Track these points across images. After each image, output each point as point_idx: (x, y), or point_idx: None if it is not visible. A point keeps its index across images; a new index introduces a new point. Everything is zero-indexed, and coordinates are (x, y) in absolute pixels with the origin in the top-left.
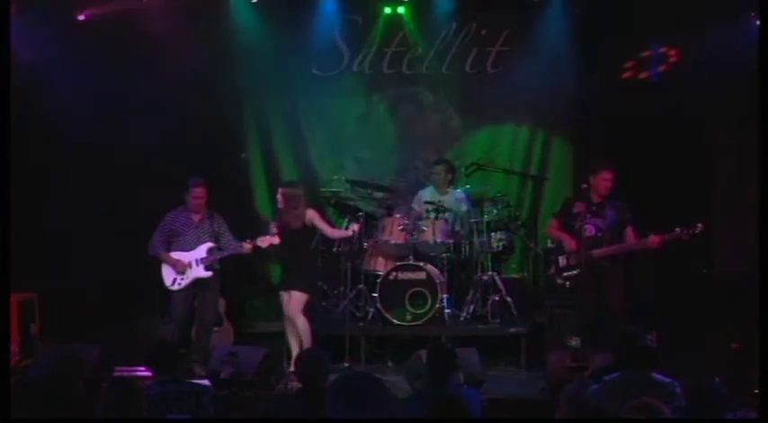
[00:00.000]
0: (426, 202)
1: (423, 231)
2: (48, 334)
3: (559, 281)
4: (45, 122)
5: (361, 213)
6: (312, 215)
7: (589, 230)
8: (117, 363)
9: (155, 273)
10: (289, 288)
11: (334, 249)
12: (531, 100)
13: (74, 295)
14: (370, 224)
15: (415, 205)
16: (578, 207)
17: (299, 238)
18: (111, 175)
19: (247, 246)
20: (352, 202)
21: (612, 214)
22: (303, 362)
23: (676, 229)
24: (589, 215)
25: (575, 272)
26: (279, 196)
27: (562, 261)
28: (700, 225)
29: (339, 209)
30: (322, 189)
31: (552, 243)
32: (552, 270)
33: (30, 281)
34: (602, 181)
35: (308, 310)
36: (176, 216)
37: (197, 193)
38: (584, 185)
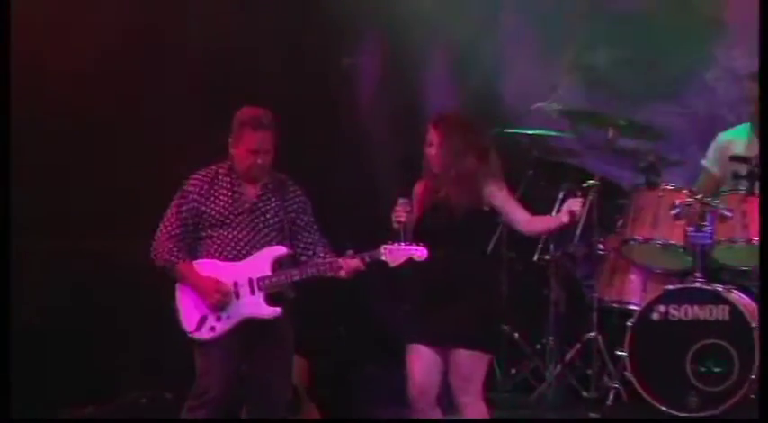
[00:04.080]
0: (734, 159)
1: (724, 219)
2: None
3: None
4: None
5: (593, 182)
6: (494, 190)
7: None
8: None
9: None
10: (441, 341)
11: (536, 258)
12: None
13: None
14: (613, 205)
15: (709, 164)
16: None
17: (464, 236)
18: None
19: (350, 263)
20: (573, 160)
21: None
22: None
23: None
24: None
25: None
26: (428, 141)
27: None
28: None
29: (547, 172)
30: (512, 131)
31: None
32: None
33: None
34: None
35: (485, 385)
36: (205, 185)
37: (254, 141)
38: None
